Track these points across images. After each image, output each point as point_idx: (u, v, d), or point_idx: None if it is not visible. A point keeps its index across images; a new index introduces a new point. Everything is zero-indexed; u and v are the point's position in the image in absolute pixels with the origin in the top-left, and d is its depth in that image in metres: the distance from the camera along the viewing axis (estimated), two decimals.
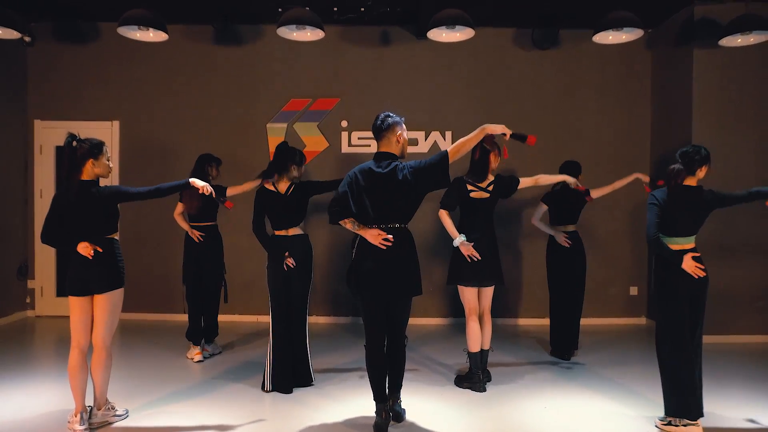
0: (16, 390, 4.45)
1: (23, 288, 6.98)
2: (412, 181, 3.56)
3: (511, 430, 3.80)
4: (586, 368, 5.13)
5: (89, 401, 3.79)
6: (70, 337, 3.70)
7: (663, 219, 3.74)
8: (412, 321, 6.37)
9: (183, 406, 4.15)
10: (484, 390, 4.49)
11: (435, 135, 6.94)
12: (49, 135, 6.96)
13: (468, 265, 4.44)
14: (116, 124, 6.97)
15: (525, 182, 4.57)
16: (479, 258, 4.40)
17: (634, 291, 6.98)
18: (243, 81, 6.97)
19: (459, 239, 4.44)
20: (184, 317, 5.57)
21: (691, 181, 3.80)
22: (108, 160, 3.77)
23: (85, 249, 3.57)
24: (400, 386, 3.85)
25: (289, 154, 4.53)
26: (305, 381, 4.55)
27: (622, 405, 4.25)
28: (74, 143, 3.65)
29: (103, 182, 3.80)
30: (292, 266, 4.42)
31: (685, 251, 3.72)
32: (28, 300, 7.03)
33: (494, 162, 4.57)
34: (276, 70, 6.95)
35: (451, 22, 5.21)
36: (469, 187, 4.53)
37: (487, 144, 4.48)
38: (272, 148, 6.81)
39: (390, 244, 3.52)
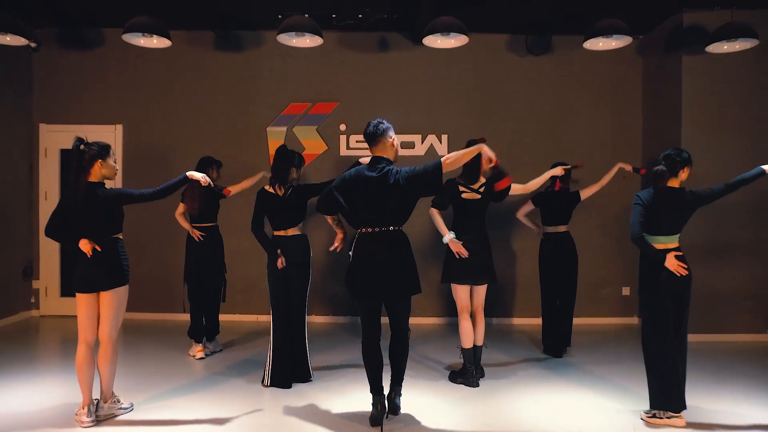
0: (23, 385, 4.59)
1: (28, 288, 7.12)
2: (404, 185, 3.70)
3: (503, 423, 3.95)
4: (577, 365, 5.28)
5: (95, 395, 3.94)
6: (73, 336, 3.87)
7: (648, 218, 3.90)
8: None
9: (185, 400, 4.30)
10: (477, 385, 4.64)
11: (431, 138, 7.09)
12: (54, 138, 7.11)
13: (460, 263, 4.60)
14: (119, 127, 7.12)
15: (516, 189, 4.72)
16: (467, 255, 4.56)
17: (626, 291, 7.12)
18: (243, 86, 7.13)
19: (448, 236, 4.61)
20: (185, 316, 5.73)
21: (674, 183, 3.96)
22: (114, 162, 3.93)
23: (85, 246, 3.74)
24: (401, 379, 3.99)
25: (288, 157, 4.69)
26: (304, 378, 4.70)
27: (610, 399, 4.40)
28: (81, 147, 3.81)
29: (108, 184, 3.96)
30: (282, 266, 4.56)
31: (669, 250, 3.87)
32: (32, 300, 7.17)
33: (486, 164, 4.72)
34: (276, 75, 7.11)
35: (445, 29, 5.36)
36: (461, 189, 4.68)
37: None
38: (272, 151, 6.92)
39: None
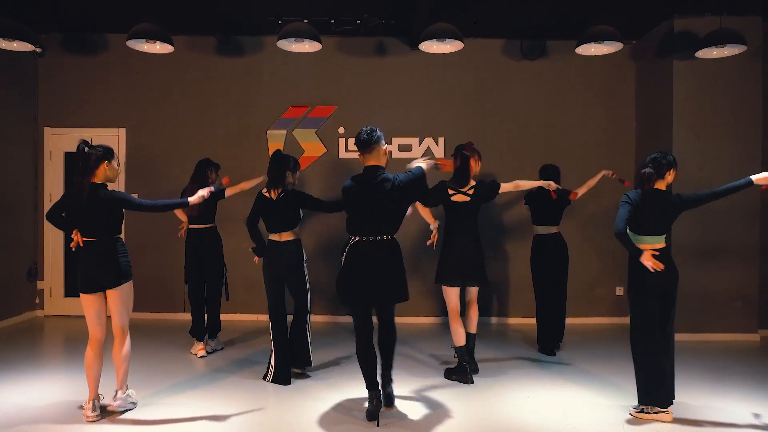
0: (29, 383, 4.72)
1: (33, 289, 7.26)
2: (399, 192, 3.86)
3: (496, 419, 4.08)
4: (569, 363, 5.41)
5: (106, 388, 4.08)
6: (78, 335, 4.05)
7: (635, 218, 4.03)
8: (404, 320, 6.72)
9: (187, 396, 4.44)
10: (472, 382, 4.78)
11: (428, 141, 7.23)
12: (59, 142, 7.25)
13: (451, 265, 4.76)
14: (122, 131, 7.26)
15: (505, 187, 4.85)
16: (434, 241, 4.83)
17: (620, 292, 7.25)
18: (244, 90, 7.27)
19: (434, 224, 4.83)
20: (187, 316, 5.87)
21: (660, 185, 4.09)
22: (117, 165, 4.09)
23: (76, 235, 3.95)
24: (391, 366, 4.18)
25: (283, 162, 4.82)
26: (305, 363, 4.87)
27: (600, 396, 4.53)
28: (86, 149, 3.95)
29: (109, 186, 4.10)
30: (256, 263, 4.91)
31: (656, 249, 4.01)
32: (37, 300, 7.30)
33: (475, 167, 4.87)
34: (276, 79, 7.25)
35: (441, 36, 5.50)
36: (450, 191, 4.82)
37: (467, 150, 4.81)
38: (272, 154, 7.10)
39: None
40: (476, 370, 4.99)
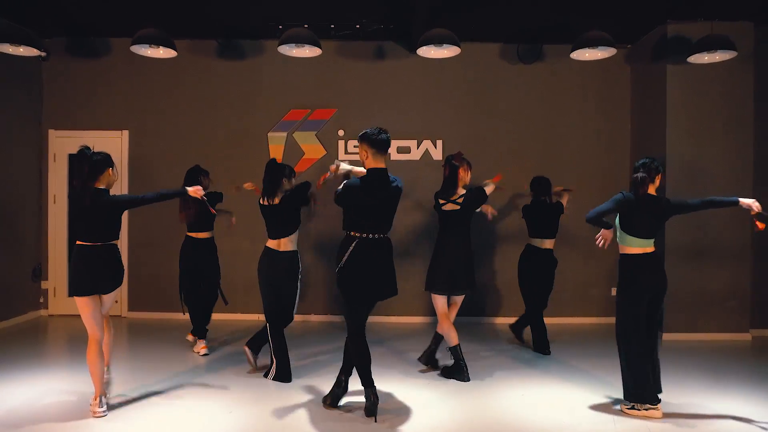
0: (34, 381, 4.81)
1: (37, 289, 7.37)
2: (399, 194, 4.09)
3: (490, 415, 4.20)
4: (563, 361, 5.53)
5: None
6: (81, 334, 4.17)
7: (629, 221, 4.15)
8: (395, 319, 6.89)
9: (190, 393, 4.55)
10: (468, 380, 4.90)
11: (426, 143, 7.34)
12: (63, 144, 7.36)
13: (441, 274, 4.91)
14: (125, 133, 7.37)
15: (488, 190, 5.02)
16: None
17: (614, 292, 7.32)
18: (245, 93, 7.39)
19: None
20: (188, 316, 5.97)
21: (651, 190, 4.21)
22: (115, 172, 4.22)
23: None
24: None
25: (279, 170, 4.94)
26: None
27: (593, 393, 4.64)
28: (93, 154, 4.06)
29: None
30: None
31: (645, 254, 4.12)
32: (41, 300, 7.42)
33: (464, 176, 4.99)
34: (276, 82, 7.37)
35: (438, 41, 5.61)
36: (441, 201, 4.96)
37: (456, 160, 4.94)
38: (273, 156, 7.23)
39: None
40: (427, 363, 5.21)
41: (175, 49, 5.90)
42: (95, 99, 7.37)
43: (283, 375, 4.86)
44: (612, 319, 7.12)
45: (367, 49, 7.32)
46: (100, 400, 4.04)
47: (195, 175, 5.62)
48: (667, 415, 4.13)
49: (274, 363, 4.89)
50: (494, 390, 4.72)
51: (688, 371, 5.26)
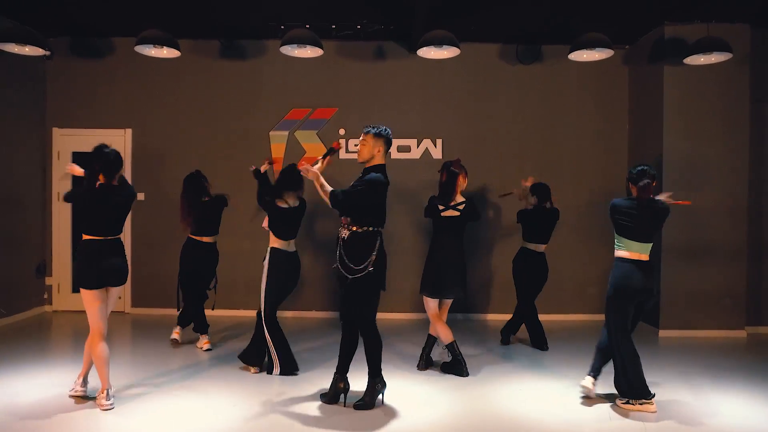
0: (39, 376, 4.88)
1: (41, 285, 7.45)
2: None
3: (488, 410, 4.30)
4: (561, 358, 5.61)
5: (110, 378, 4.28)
6: (84, 330, 4.29)
7: (630, 226, 4.21)
8: (389, 316, 6.98)
9: (190, 388, 4.64)
10: (467, 374, 5.00)
11: (426, 142, 7.42)
12: (67, 142, 7.43)
13: (435, 278, 5.03)
14: (128, 131, 7.45)
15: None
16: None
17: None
18: (247, 92, 7.46)
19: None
20: None
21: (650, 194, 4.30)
22: None
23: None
24: None
25: (300, 176, 4.89)
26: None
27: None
28: (111, 149, 4.20)
29: None
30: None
31: (643, 261, 4.22)
32: (45, 296, 7.50)
33: (462, 183, 5.08)
34: (278, 82, 7.44)
35: (438, 42, 5.68)
36: (440, 207, 5.05)
37: (455, 167, 5.03)
38: (275, 155, 7.31)
39: None
40: (431, 364, 5.27)
41: (178, 49, 5.98)
42: (98, 98, 7.45)
43: (289, 367, 4.96)
44: None
45: (367, 50, 7.40)
46: (107, 393, 4.13)
47: (198, 182, 5.69)
48: (662, 411, 4.22)
49: (276, 359, 4.96)
50: (492, 385, 4.80)
51: (685, 368, 5.34)
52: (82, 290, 4.13)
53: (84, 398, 4.28)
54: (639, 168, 4.32)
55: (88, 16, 6.64)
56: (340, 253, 4.16)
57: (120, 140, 7.36)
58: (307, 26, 6.28)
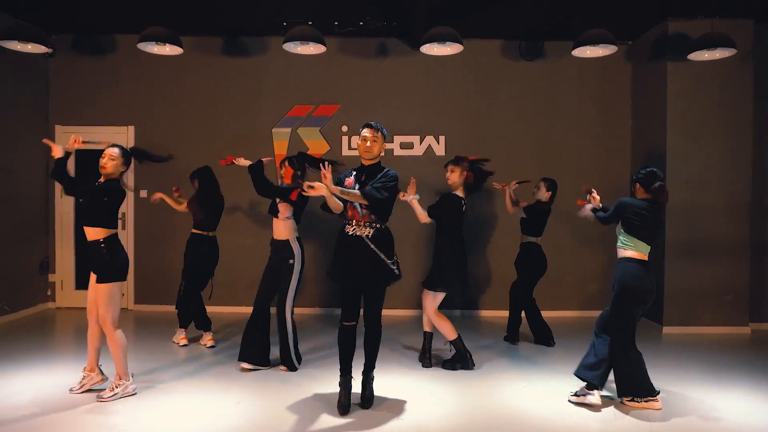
0: (42, 373, 4.89)
1: (44, 281, 7.47)
2: None
3: (497, 406, 4.31)
4: (564, 355, 5.61)
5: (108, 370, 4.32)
6: (87, 327, 4.36)
7: (642, 227, 4.18)
8: (390, 312, 6.88)
9: (198, 381, 4.66)
10: (474, 366, 5.08)
11: (429, 139, 7.42)
12: (69, 139, 7.39)
13: (461, 275, 5.11)
14: (131, 128, 7.45)
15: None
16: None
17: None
18: (249, 89, 7.46)
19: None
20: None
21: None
22: None
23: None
24: None
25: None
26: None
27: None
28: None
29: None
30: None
31: (647, 262, 4.20)
32: (49, 293, 7.52)
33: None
34: (280, 78, 7.44)
35: (441, 39, 5.67)
36: (464, 202, 5.18)
37: (465, 168, 5.12)
38: (277, 152, 7.31)
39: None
40: (431, 364, 5.24)
41: (181, 47, 5.97)
42: (101, 95, 7.45)
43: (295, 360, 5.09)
44: None
45: (370, 46, 7.39)
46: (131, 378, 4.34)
47: (212, 174, 5.75)
48: (667, 408, 4.22)
49: (293, 351, 5.06)
50: (496, 382, 4.81)
51: (688, 365, 5.35)
52: (112, 284, 4.22)
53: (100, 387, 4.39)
54: (648, 170, 4.30)
55: (91, 13, 6.64)
56: (369, 251, 4.02)
57: (123, 137, 7.36)
58: (310, 23, 6.27)
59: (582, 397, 4.29)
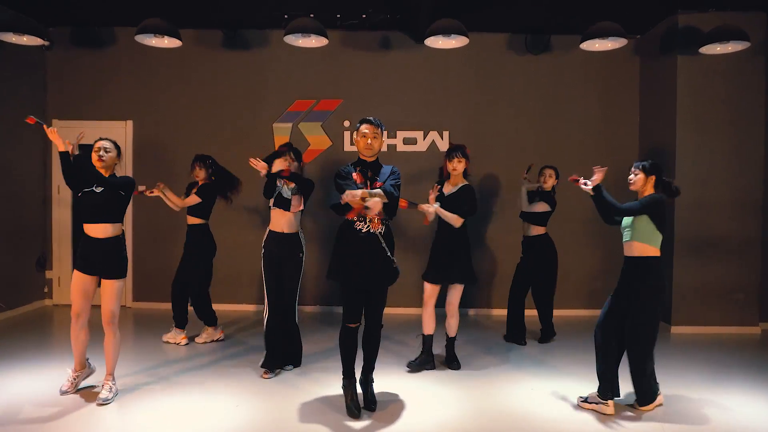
0: (39, 370, 4.80)
1: (41, 278, 7.36)
2: None
3: (500, 407, 4.19)
4: (568, 354, 5.50)
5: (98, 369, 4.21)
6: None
7: (665, 225, 4.10)
8: (392, 311, 6.73)
9: (197, 381, 4.55)
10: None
11: (433, 134, 7.29)
12: (67, 134, 7.06)
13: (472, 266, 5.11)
14: (129, 123, 7.33)
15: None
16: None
17: None
18: (250, 83, 7.33)
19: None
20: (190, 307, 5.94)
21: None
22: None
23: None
24: None
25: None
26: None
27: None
28: None
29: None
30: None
31: (655, 257, 4.07)
32: (45, 290, 7.42)
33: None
34: (282, 72, 7.31)
35: (446, 32, 5.55)
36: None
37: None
38: (278, 147, 7.17)
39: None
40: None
41: (180, 39, 5.85)
42: (99, 89, 7.32)
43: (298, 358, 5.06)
44: None
45: (373, 39, 7.26)
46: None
47: (216, 165, 5.78)
48: (676, 409, 4.12)
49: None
50: (502, 382, 4.70)
51: (697, 365, 5.23)
52: (121, 280, 4.19)
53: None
54: (653, 162, 4.24)
55: (90, 5, 6.50)
56: (381, 249, 3.91)
57: (121, 132, 7.25)
58: (311, 15, 6.14)
59: (594, 405, 4.15)
